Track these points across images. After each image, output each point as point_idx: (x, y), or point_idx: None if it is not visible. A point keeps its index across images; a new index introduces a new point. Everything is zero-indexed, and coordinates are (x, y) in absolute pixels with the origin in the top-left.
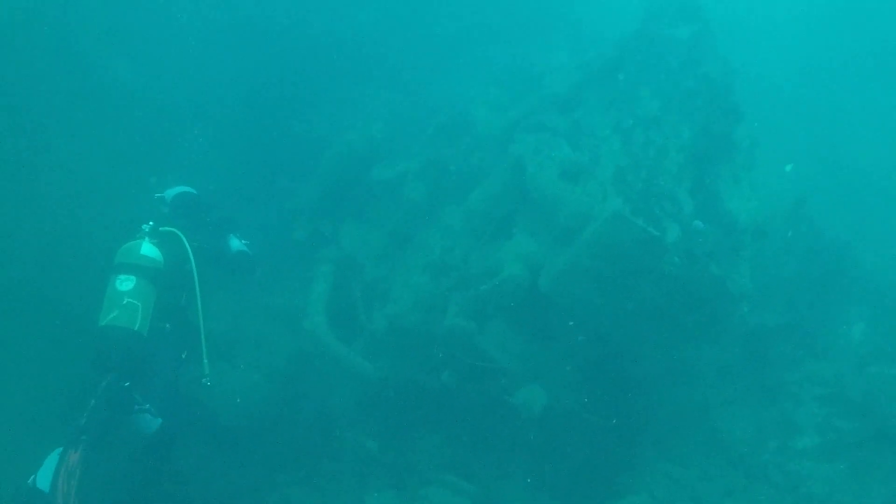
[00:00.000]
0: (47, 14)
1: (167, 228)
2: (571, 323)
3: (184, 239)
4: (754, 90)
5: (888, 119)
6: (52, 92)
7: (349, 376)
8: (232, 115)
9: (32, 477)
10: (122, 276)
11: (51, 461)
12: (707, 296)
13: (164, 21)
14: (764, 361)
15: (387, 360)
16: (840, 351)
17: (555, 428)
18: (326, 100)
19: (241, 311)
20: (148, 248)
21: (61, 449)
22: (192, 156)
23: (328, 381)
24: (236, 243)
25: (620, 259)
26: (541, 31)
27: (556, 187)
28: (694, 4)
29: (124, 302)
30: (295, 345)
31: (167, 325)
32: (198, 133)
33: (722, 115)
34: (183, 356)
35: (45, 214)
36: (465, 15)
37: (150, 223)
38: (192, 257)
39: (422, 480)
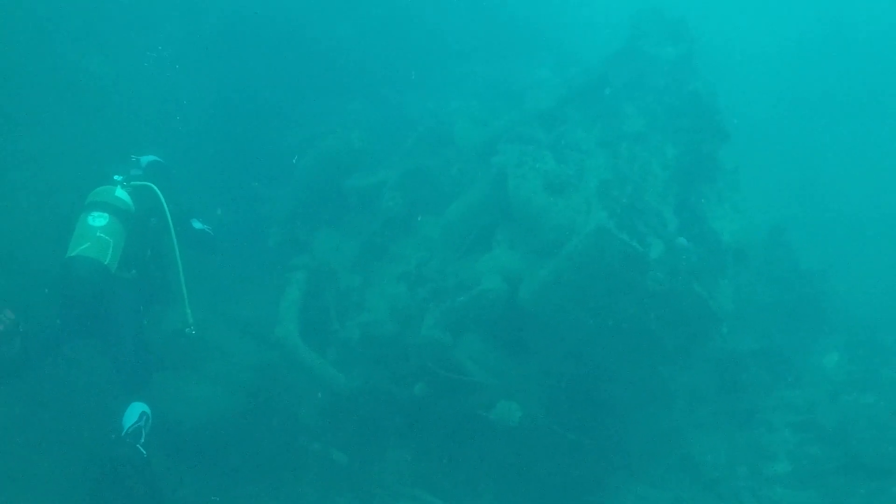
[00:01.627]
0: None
1: (141, 182)
2: (550, 338)
3: (158, 192)
4: (735, 115)
5: (862, 154)
6: (24, 85)
7: (319, 386)
8: (207, 116)
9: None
10: (96, 213)
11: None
12: (689, 314)
13: (142, 18)
14: (737, 387)
15: (359, 371)
16: (813, 379)
17: (528, 445)
18: (306, 106)
19: (205, 321)
20: (121, 193)
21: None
22: (165, 155)
23: (296, 392)
24: (198, 224)
25: (603, 274)
26: (523, 48)
27: (540, 199)
28: (680, 25)
29: (96, 235)
30: (260, 356)
31: (133, 272)
32: (172, 132)
33: (707, 135)
34: (142, 309)
35: (14, 209)
36: (446, 31)
37: (122, 176)
38: (166, 208)
39: (390, 495)
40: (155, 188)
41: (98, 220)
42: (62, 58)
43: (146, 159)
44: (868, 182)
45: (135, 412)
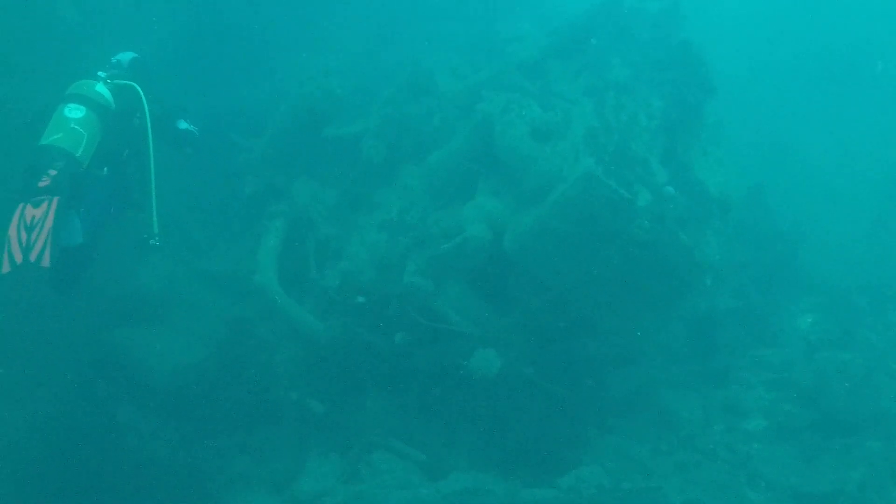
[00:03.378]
0: None
1: (124, 81)
2: (533, 287)
3: (141, 92)
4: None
5: (837, 119)
6: None
7: (295, 336)
8: (181, 54)
9: None
10: (73, 105)
11: None
12: (674, 265)
13: None
14: (713, 345)
15: (338, 319)
16: (789, 338)
17: (506, 396)
18: (281, 48)
19: (175, 274)
20: (102, 89)
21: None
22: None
23: (272, 342)
24: (184, 124)
25: (589, 221)
26: (503, 5)
27: (526, 146)
28: None
29: (70, 126)
30: (232, 310)
31: (105, 170)
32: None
33: (693, 88)
34: (112, 211)
35: None
36: None
37: (106, 73)
38: (147, 109)
39: (367, 445)
40: (137, 87)
41: (74, 112)
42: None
43: (127, 56)
44: (842, 147)
45: None
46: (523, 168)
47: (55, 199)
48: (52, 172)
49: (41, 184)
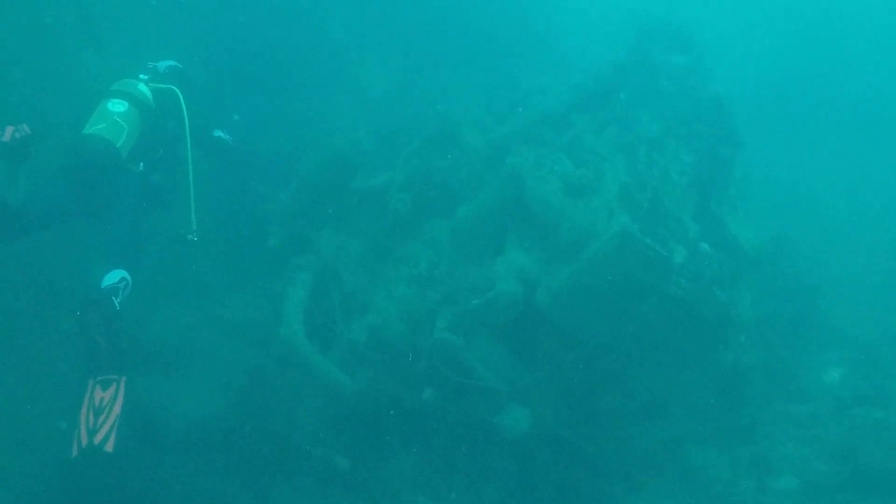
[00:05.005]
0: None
1: (165, 85)
2: (565, 344)
3: (180, 96)
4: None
5: (850, 167)
6: (20, 79)
7: (321, 389)
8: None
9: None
10: (116, 100)
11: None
12: (709, 322)
13: (135, 12)
14: (739, 399)
15: (365, 373)
16: (816, 392)
17: (534, 453)
18: (301, 107)
19: (193, 322)
20: (144, 88)
21: None
22: None
23: (296, 395)
24: (219, 133)
25: (624, 278)
26: (521, 55)
27: (559, 202)
28: (686, 32)
29: (113, 119)
30: (254, 360)
31: (141, 165)
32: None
33: (722, 142)
34: (144, 206)
35: None
36: (446, 35)
37: (147, 76)
38: (185, 112)
39: (393, 502)
40: (178, 91)
41: (117, 106)
42: (58, 53)
43: (164, 64)
44: (858, 194)
45: (115, 276)
46: (555, 223)
47: (123, 381)
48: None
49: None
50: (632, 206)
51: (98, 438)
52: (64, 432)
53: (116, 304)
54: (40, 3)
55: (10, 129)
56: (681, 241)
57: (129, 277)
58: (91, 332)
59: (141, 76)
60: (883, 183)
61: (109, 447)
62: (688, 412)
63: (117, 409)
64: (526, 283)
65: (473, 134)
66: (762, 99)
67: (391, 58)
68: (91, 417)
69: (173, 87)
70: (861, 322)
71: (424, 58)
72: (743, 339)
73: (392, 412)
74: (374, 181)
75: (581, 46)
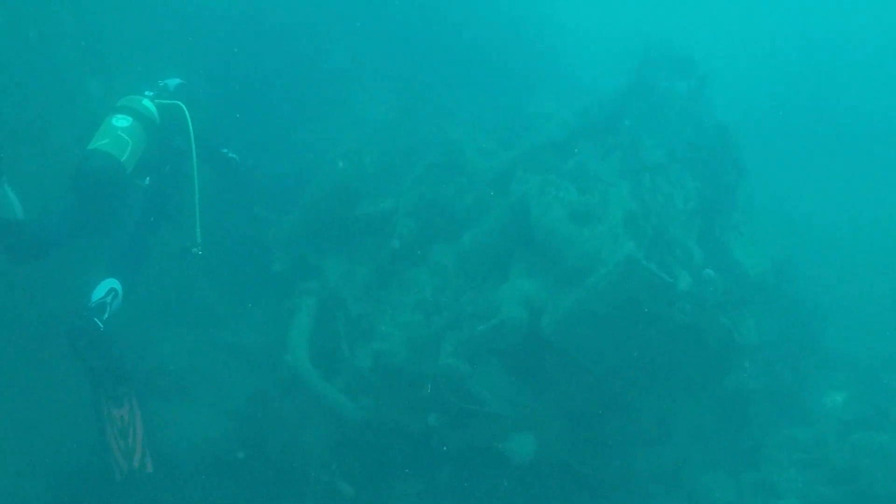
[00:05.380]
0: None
1: (171, 101)
2: (570, 370)
3: (186, 111)
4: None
5: (851, 191)
6: (24, 104)
7: (326, 415)
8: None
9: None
10: (120, 116)
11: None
12: (714, 347)
13: (142, 40)
14: (743, 424)
15: (370, 399)
16: (820, 416)
17: (540, 478)
18: (304, 132)
19: (196, 347)
20: (149, 104)
21: None
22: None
23: (301, 421)
24: (228, 152)
25: (630, 304)
26: (527, 79)
27: (564, 228)
28: (689, 58)
29: (117, 134)
30: (258, 385)
31: (147, 180)
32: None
33: (726, 169)
34: (151, 220)
35: None
36: (449, 59)
37: (153, 92)
38: (191, 127)
39: None
40: (183, 107)
41: (121, 121)
42: (63, 80)
43: (173, 82)
44: (859, 218)
45: (104, 288)
46: (561, 250)
47: (135, 399)
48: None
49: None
50: (637, 232)
51: (136, 461)
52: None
53: (100, 324)
54: (46, 30)
55: None
56: (685, 267)
57: (119, 288)
58: (82, 357)
59: (146, 92)
60: (885, 207)
61: (149, 467)
62: (692, 437)
63: (139, 425)
64: (531, 309)
65: (478, 159)
66: (764, 123)
67: (394, 82)
68: (119, 441)
69: (179, 102)
70: (864, 346)
71: (427, 82)
72: (747, 365)
73: (397, 438)
74: (379, 207)
75: (585, 72)
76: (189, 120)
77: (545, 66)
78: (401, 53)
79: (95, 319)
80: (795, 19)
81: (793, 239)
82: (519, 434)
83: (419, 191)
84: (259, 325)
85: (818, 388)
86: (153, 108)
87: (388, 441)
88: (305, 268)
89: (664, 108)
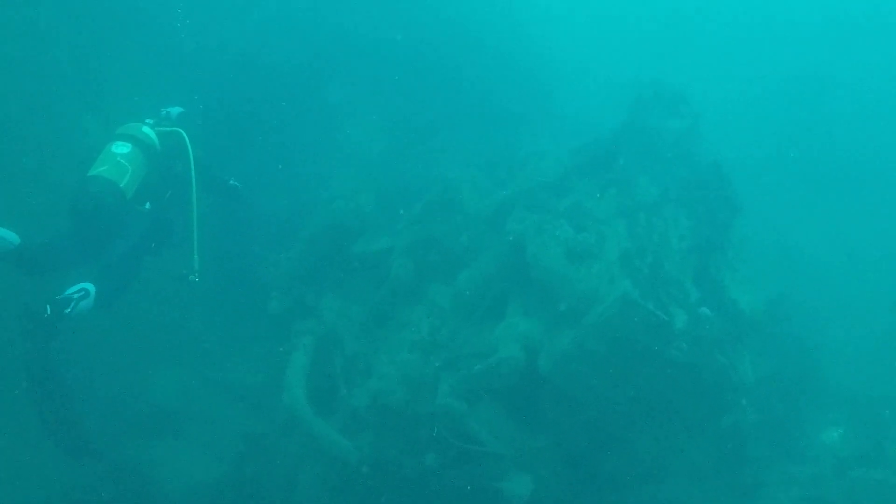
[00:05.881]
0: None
1: (171, 128)
2: (567, 408)
3: (186, 138)
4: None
5: (844, 227)
6: (22, 142)
7: (322, 455)
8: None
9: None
10: (120, 142)
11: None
12: (711, 386)
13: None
14: (740, 460)
15: (367, 438)
16: (818, 453)
17: None
18: (299, 170)
19: (190, 386)
20: (148, 130)
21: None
22: None
23: (297, 460)
24: (230, 179)
25: (627, 343)
26: (521, 117)
27: (561, 267)
28: (682, 97)
29: (116, 160)
30: (253, 424)
31: (147, 205)
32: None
33: (720, 207)
34: (152, 245)
35: None
36: (443, 97)
37: (154, 120)
38: (191, 154)
39: None
40: (183, 134)
41: (121, 147)
42: (60, 116)
43: (176, 110)
44: (851, 254)
45: (77, 286)
46: (557, 289)
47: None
48: None
49: None
50: (633, 271)
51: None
52: None
53: (48, 309)
54: (43, 69)
55: None
56: (682, 305)
57: (91, 290)
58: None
59: (147, 120)
60: (878, 242)
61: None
62: (690, 475)
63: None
64: (528, 347)
65: (474, 198)
66: (756, 160)
67: (387, 120)
68: None
69: (180, 129)
70: (860, 382)
71: (421, 120)
72: (744, 402)
73: (394, 478)
74: (375, 246)
75: (578, 110)
76: (189, 147)
77: (541, 105)
78: (394, 92)
79: (48, 306)
80: (787, 54)
81: (787, 275)
82: (516, 473)
83: (415, 229)
84: (254, 363)
85: (815, 424)
86: (153, 135)
87: (385, 481)
88: (302, 306)
89: (658, 147)
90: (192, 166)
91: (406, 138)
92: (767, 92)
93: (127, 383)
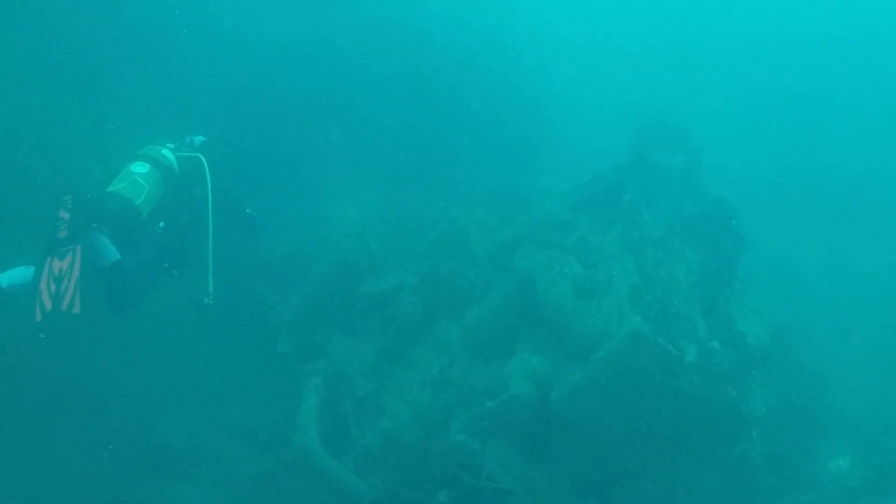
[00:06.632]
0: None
1: (191, 154)
2: (579, 443)
3: (205, 163)
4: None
5: (854, 257)
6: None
7: (335, 494)
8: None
9: None
10: (139, 162)
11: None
12: (721, 418)
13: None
14: (749, 493)
15: (380, 478)
16: (826, 482)
17: None
18: (304, 209)
19: (201, 427)
20: (168, 153)
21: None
22: None
23: (310, 500)
24: (247, 208)
25: (638, 378)
26: (523, 153)
27: (571, 304)
28: (682, 130)
29: (134, 178)
30: (263, 465)
31: (161, 224)
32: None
33: (726, 241)
34: (165, 265)
35: None
36: (444, 138)
37: (174, 144)
38: (209, 179)
39: None
40: (202, 159)
41: (139, 167)
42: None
43: (199, 139)
44: (852, 282)
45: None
46: (567, 325)
47: (79, 249)
48: (65, 215)
49: (61, 234)
50: (642, 306)
51: (65, 304)
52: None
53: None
54: (47, 115)
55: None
56: (691, 339)
57: (4, 285)
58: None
59: (168, 144)
60: (880, 268)
61: (77, 308)
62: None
63: (76, 272)
64: (539, 383)
65: (480, 235)
66: (756, 190)
67: (388, 158)
68: (52, 286)
69: (199, 155)
70: (866, 410)
71: (424, 157)
72: (754, 435)
73: None
74: (383, 285)
75: (579, 146)
76: (208, 172)
77: (541, 141)
78: (394, 129)
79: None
80: (782, 79)
81: (789, 303)
82: None
83: (422, 268)
84: (264, 404)
85: (822, 453)
86: (172, 158)
87: None
88: (311, 347)
89: (662, 182)
90: (210, 191)
91: (407, 175)
92: (763, 118)
93: (136, 423)
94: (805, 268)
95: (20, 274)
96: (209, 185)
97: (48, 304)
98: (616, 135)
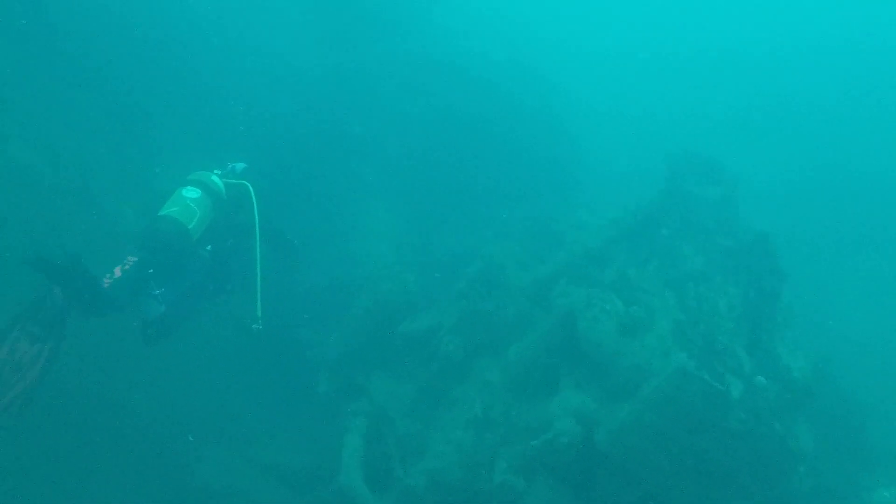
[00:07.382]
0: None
1: (237, 181)
2: (625, 482)
3: (252, 191)
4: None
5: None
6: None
7: None
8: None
9: None
10: (190, 187)
11: None
12: (769, 455)
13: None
14: None
15: None
16: None
17: None
18: (336, 249)
19: (240, 468)
20: (217, 180)
21: None
22: None
23: None
24: (289, 236)
25: (684, 415)
26: (556, 188)
27: (613, 341)
28: (717, 163)
29: (186, 203)
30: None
31: (209, 248)
32: None
33: (767, 274)
34: (210, 288)
35: None
36: (476, 175)
37: (222, 171)
38: (255, 206)
39: None
40: (249, 187)
41: (191, 192)
42: (102, 209)
43: (240, 166)
44: (884, 309)
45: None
46: (611, 362)
47: (48, 349)
48: (129, 262)
49: (106, 281)
50: (686, 342)
51: (6, 401)
52: None
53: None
54: (83, 163)
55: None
56: (737, 374)
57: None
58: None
59: (215, 171)
60: None
61: (16, 415)
62: None
63: (37, 372)
64: (583, 422)
65: (516, 272)
66: (792, 221)
67: (417, 194)
68: (6, 370)
69: (246, 182)
70: None
71: (455, 192)
72: (802, 470)
73: None
74: (422, 324)
75: (612, 181)
76: (255, 199)
77: (573, 175)
78: (425, 166)
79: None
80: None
81: (828, 334)
82: None
83: (461, 306)
84: (303, 445)
85: (867, 485)
86: (221, 185)
87: None
88: (352, 387)
89: (698, 215)
90: (257, 217)
91: (437, 208)
92: (790, 141)
93: (172, 460)
94: (842, 296)
95: None
96: (256, 211)
97: None
98: (651, 172)
